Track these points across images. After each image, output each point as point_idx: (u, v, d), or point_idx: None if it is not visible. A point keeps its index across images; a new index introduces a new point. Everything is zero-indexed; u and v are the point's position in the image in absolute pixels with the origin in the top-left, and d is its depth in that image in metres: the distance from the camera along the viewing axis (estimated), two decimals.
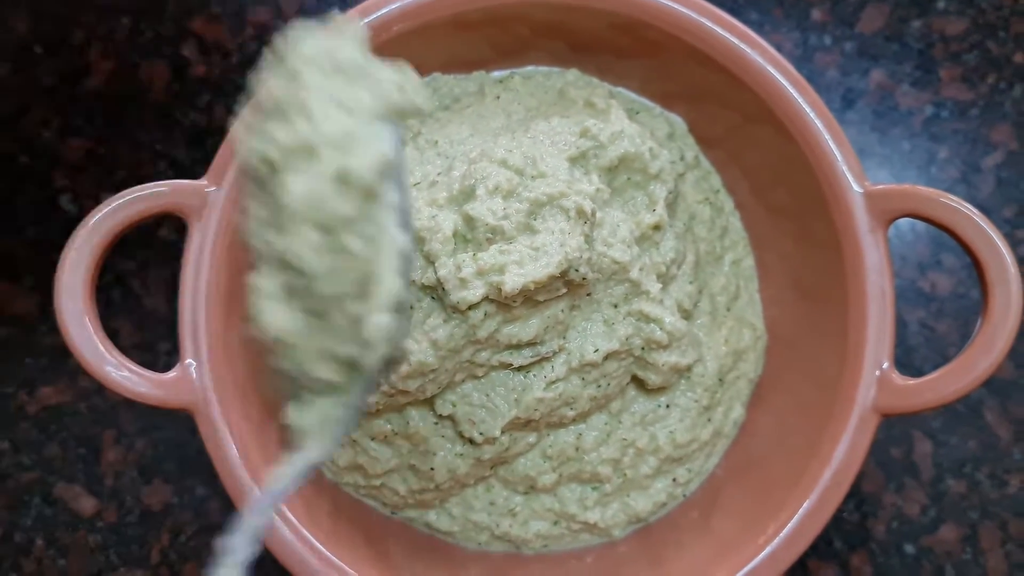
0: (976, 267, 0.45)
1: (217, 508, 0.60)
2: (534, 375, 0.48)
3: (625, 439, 0.51)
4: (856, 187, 0.47)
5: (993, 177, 0.61)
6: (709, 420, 0.52)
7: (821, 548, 0.58)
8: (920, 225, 0.61)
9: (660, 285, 0.49)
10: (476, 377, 0.48)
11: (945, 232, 0.45)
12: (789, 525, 0.45)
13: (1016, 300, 0.44)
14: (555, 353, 0.48)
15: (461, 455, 0.49)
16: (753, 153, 0.53)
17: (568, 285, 0.46)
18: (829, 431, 0.46)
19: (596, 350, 0.48)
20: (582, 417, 0.50)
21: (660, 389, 0.51)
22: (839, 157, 0.47)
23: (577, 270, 0.45)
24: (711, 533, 0.50)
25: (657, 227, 0.49)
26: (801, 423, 0.49)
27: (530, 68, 0.56)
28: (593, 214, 0.46)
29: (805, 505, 0.45)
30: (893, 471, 0.59)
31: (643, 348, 0.49)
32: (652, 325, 0.48)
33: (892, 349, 0.46)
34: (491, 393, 0.48)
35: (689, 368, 0.51)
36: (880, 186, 0.47)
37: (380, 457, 0.50)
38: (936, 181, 0.61)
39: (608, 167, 0.49)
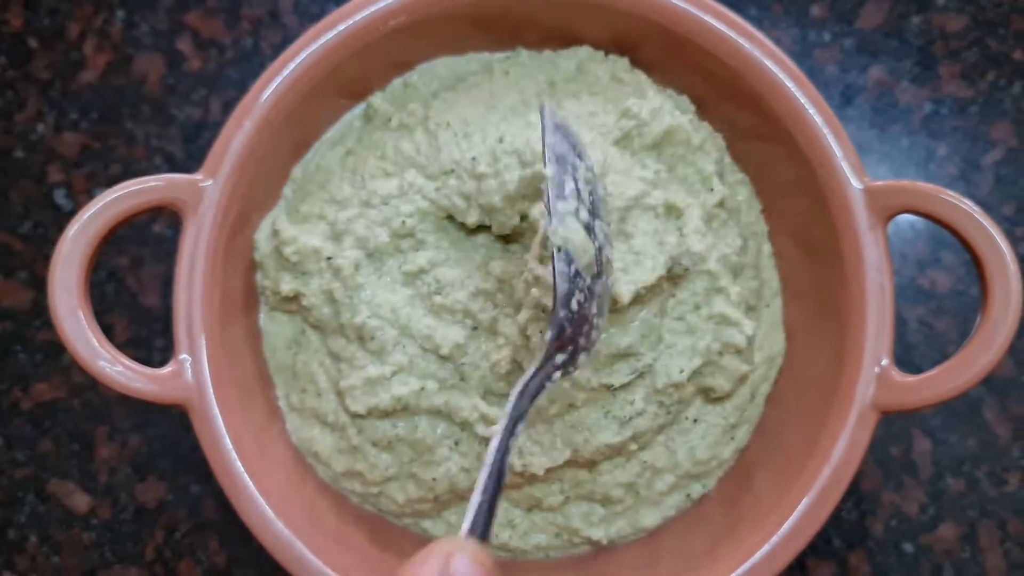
0: (975, 263, 0.45)
1: (212, 505, 0.60)
2: (613, 415, 0.46)
3: (645, 461, 0.48)
4: (855, 183, 0.47)
5: (992, 174, 0.61)
6: (732, 439, 0.50)
7: (819, 546, 0.58)
8: (920, 222, 0.61)
9: (737, 288, 0.47)
10: (572, 407, 0.46)
11: (944, 228, 0.45)
12: (787, 523, 0.45)
13: (1016, 297, 0.44)
14: (649, 368, 0.46)
15: (467, 470, 0.47)
16: (751, 149, 0.52)
17: (667, 279, 0.45)
18: (828, 428, 0.45)
19: (681, 371, 0.46)
20: (640, 450, 0.48)
21: (721, 398, 0.49)
22: (838, 153, 0.47)
23: (679, 263, 0.44)
24: (709, 531, 0.49)
25: (721, 204, 0.47)
26: (800, 420, 0.48)
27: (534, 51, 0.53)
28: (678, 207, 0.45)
29: (803, 503, 0.45)
30: (892, 469, 0.58)
31: (719, 353, 0.47)
32: (732, 329, 0.47)
33: (891, 346, 0.46)
34: (556, 429, 0.46)
35: (747, 377, 0.49)
36: (879, 182, 0.46)
37: (379, 464, 0.48)
38: (935, 178, 0.61)
39: (652, 144, 0.47)
